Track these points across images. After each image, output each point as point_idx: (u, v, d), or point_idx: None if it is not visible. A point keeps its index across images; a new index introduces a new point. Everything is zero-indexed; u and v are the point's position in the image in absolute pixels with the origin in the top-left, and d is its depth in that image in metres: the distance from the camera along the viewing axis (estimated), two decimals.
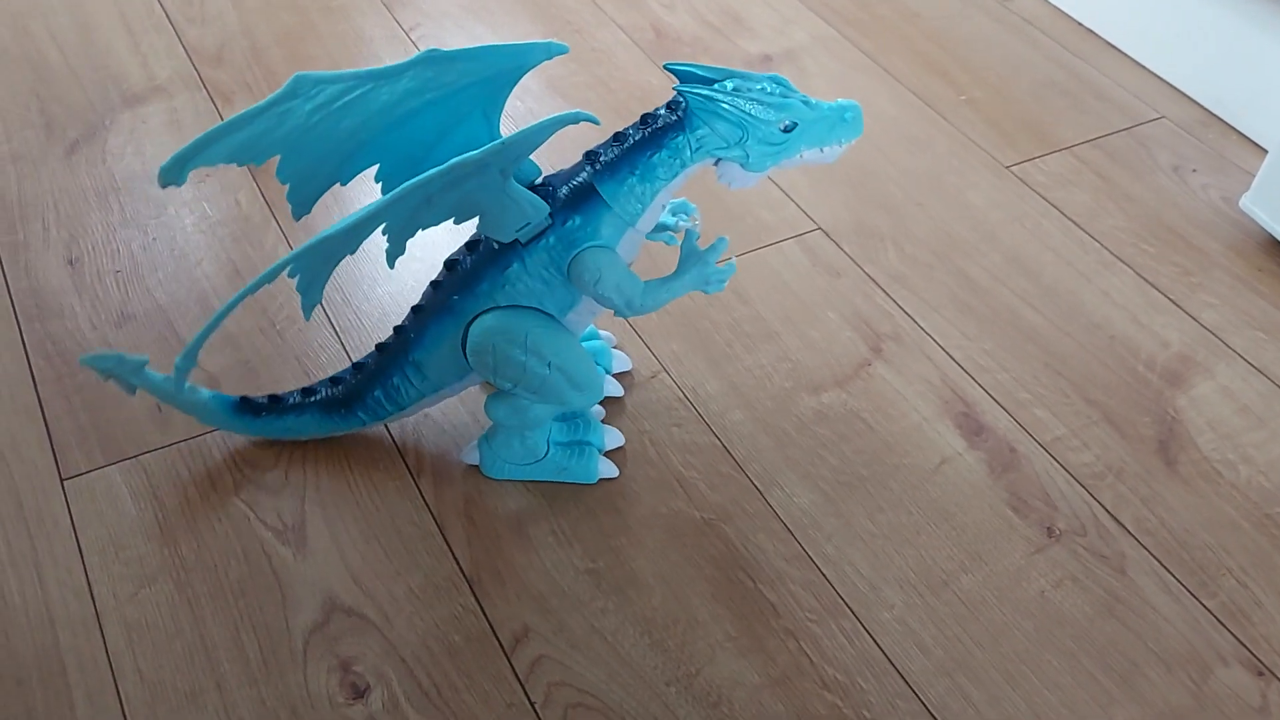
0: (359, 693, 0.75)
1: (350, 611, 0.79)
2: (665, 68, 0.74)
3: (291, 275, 0.73)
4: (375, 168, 0.78)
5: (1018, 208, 1.13)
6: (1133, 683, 0.77)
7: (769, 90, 0.74)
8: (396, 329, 0.83)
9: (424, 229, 0.74)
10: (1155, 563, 0.84)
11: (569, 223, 0.76)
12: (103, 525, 0.83)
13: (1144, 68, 1.31)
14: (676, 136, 0.74)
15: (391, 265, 0.73)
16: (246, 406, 0.85)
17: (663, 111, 0.75)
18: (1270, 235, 1.09)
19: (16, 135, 1.16)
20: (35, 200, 1.09)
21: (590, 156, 0.76)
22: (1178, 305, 1.04)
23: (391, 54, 1.28)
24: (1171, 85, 1.29)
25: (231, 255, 1.05)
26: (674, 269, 0.79)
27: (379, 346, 0.84)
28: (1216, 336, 1.01)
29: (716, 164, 0.76)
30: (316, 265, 0.74)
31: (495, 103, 0.78)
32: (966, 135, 1.21)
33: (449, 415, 0.92)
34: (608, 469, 0.87)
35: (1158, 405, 0.95)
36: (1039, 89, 1.28)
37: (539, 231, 0.76)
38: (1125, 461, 0.90)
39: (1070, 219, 1.12)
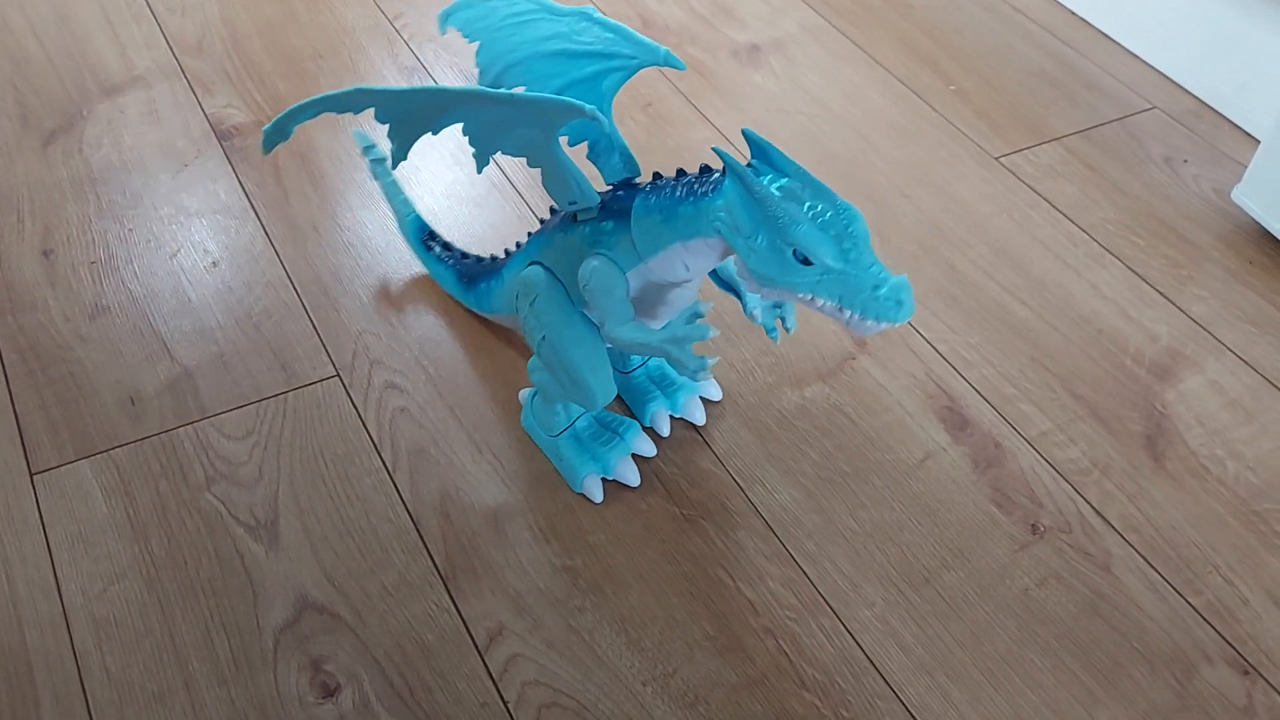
0: (329, 692, 0.74)
1: (322, 610, 0.78)
2: (744, 133, 0.67)
3: (382, 121, 0.72)
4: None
5: (1006, 199, 1.11)
6: (1116, 682, 0.76)
7: (817, 210, 0.64)
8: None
9: (504, 153, 0.74)
10: (1141, 560, 0.83)
11: (604, 224, 0.75)
12: (72, 521, 0.82)
13: (1136, 57, 1.30)
14: (704, 200, 0.69)
15: (479, 171, 0.74)
16: (425, 233, 0.98)
17: (717, 174, 0.70)
18: (1262, 227, 1.08)
19: None
20: (10, 192, 1.07)
21: (654, 178, 0.74)
22: (1167, 298, 1.02)
23: (375, 44, 1.27)
24: (1164, 75, 1.27)
25: (209, 247, 1.03)
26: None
27: (506, 250, 0.89)
28: (1206, 330, 0.99)
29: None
30: (404, 120, 0.73)
31: (612, 82, 0.78)
32: (955, 126, 1.20)
33: (427, 410, 0.90)
34: (594, 490, 0.84)
35: (1146, 400, 0.93)
36: (1029, 79, 1.27)
37: (590, 217, 0.76)
38: (1112, 457, 0.89)
39: (1059, 211, 1.10)
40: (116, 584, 0.79)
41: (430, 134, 0.72)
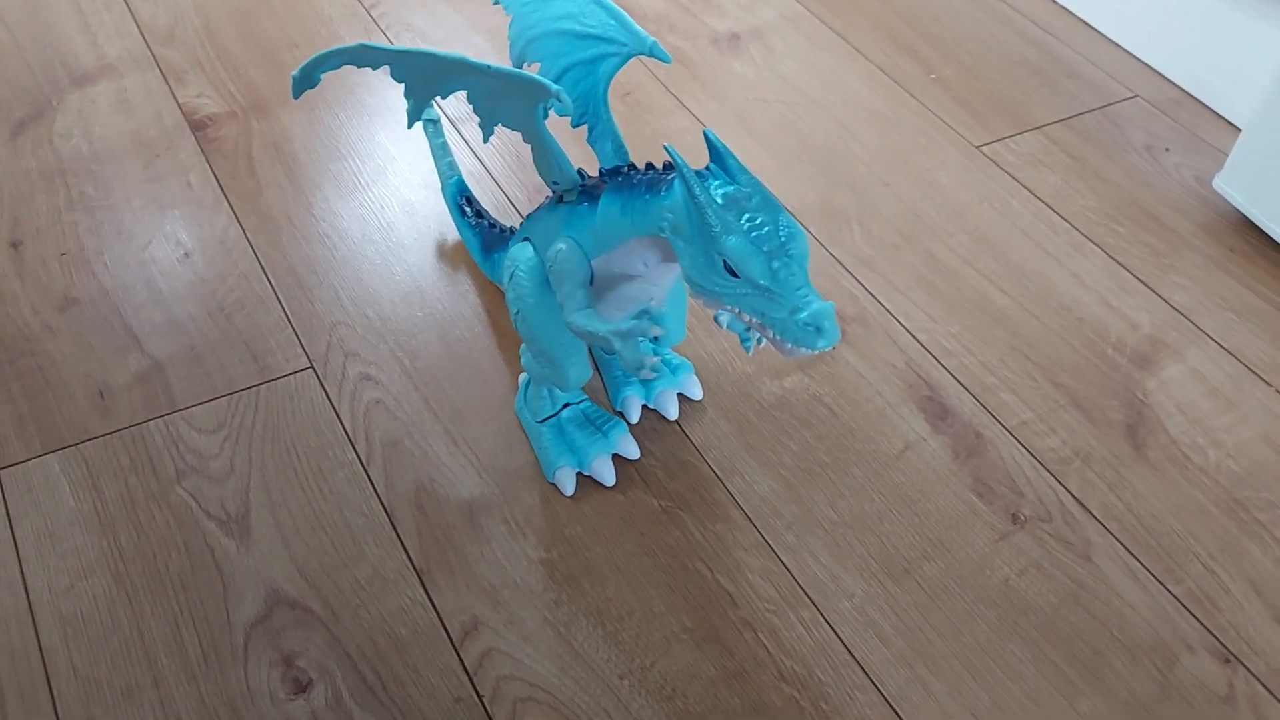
0: (301, 688, 0.72)
1: (294, 604, 0.77)
2: (705, 135, 0.66)
3: (399, 79, 0.72)
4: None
5: (987, 188, 1.11)
6: (1097, 672, 0.75)
7: (756, 223, 0.62)
8: None
9: (504, 125, 0.74)
10: (1122, 549, 0.82)
11: (580, 207, 0.74)
12: (39, 515, 0.81)
13: (1118, 46, 1.29)
14: (657, 197, 0.68)
15: (485, 141, 0.74)
16: (464, 197, 0.98)
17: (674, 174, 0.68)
18: (1243, 215, 1.07)
19: None
20: None
21: (629, 168, 0.73)
22: (1148, 287, 1.02)
23: (352, 32, 1.25)
24: (1145, 63, 1.27)
25: (181, 238, 1.02)
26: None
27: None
28: (1187, 318, 0.99)
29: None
30: (415, 81, 0.73)
31: (608, 67, 0.78)
32: (936, 114, 1.19)
33: (402, 403, 0.89)
34: (565, 482, 0.83)
35: (1126, 389, 0.93)
36: (1011, 67, 1.26)
37: (572, 199, 0.76)
38: (1092, 446, 0.89)
39: (1040, 199, 1.10)
40: (84, 579, 0.77)
41: (439, 97, 0.73)
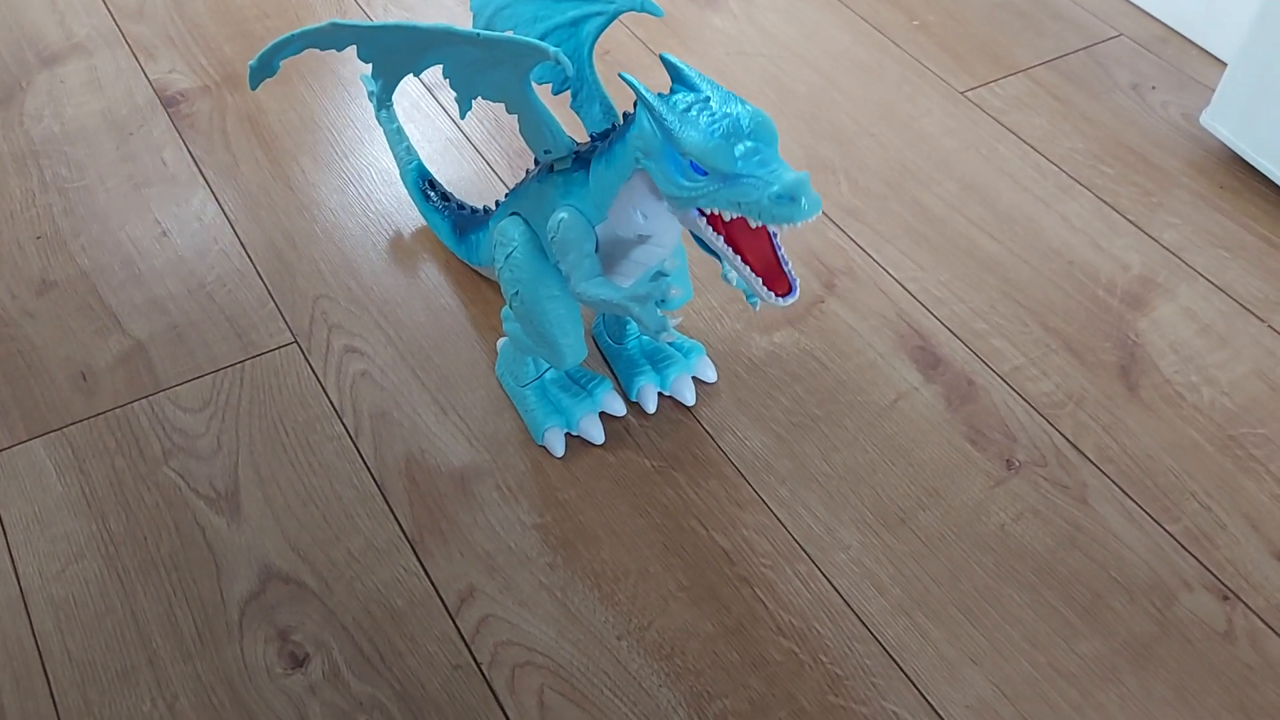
0: (298, 662, 0.72)
1: (288, 579, 0.76)
2: (661, 58, 0.67)
3: (367, 59, 0.70)
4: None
5: (973, 134, 1.09)
6: (1096, 613, 0.75)
7: (715, 117, 0.62)
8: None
9: (484, 98, 0.72)
10: (1117, 490, 0.82)
11: (576, 174, 0.73)
12: (27, 501, 0.80)
13: None
14: (628, 131, 0.68)
15: (462, 116, 0.72)
16: (426, 181, 0.96)
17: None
18: (1231, 150, 1.06)
19: None
20: None
21: (615, 127, 0.72)
22: (1138, 227, 1.01)
23: (324, 3, 1.23)
24: (1129, 1, 1.25)
25: (158, 216, 1.00)
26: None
27: (497, 202, 0.86)
28: (1178, 257, 0.98)
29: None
30: (386, 59, 0.71)
31: (592, 28, 0.76)
32: (920, 61, 1.17)
33: (389, 374, 0.88)
34: (555, 443, 0.83)
35: (1118, 330, 0.92)
36: (993, 11, 1.24)
37: (565, 167, 0.74)
38: (1085, 389, 0.88)
39: (1027, 143, 1.08)
40: (75, 563, 0.77)
41: (412, 74, 0.71)
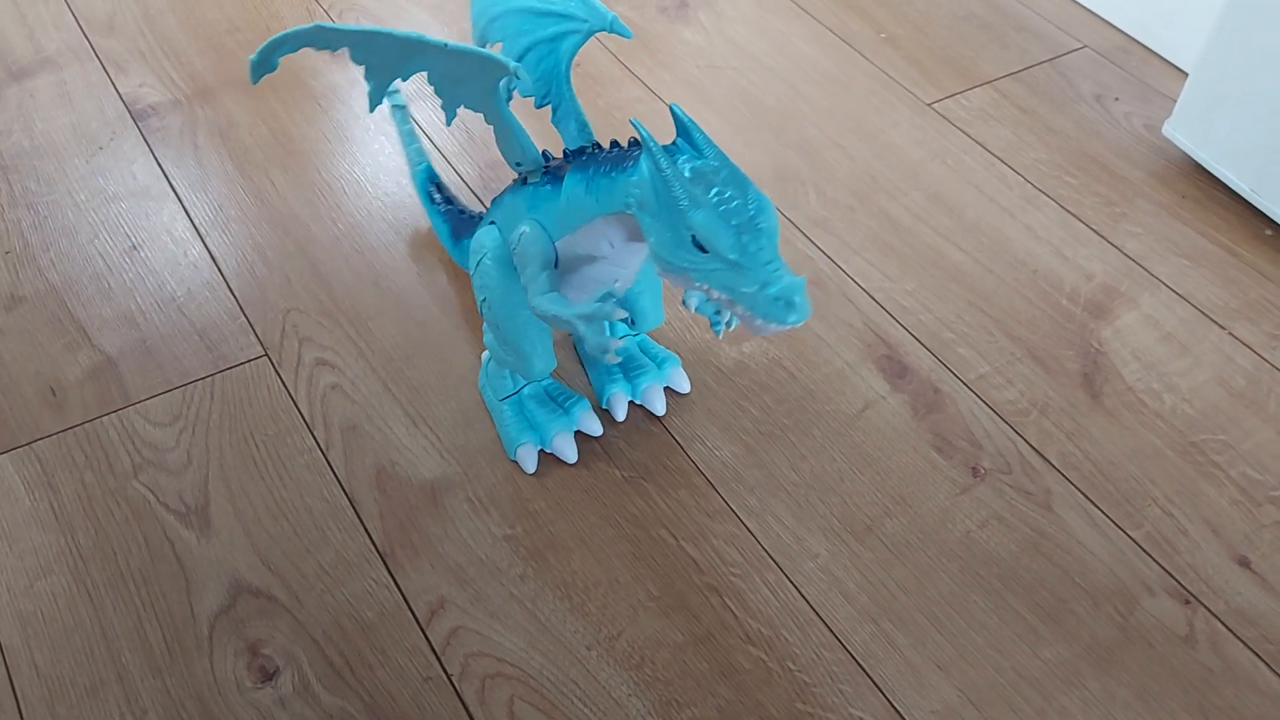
0: (268, 676, 0.72)
1: (258, 593, 0.76)
2: (671, 110, 0.65)
3: (358, 62, 0.71)
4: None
5: (939, 145, 1.11)
6: (1060, 619, 0.76)
7: (725, 196, 0.61)
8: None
9: (466, 106, 0.73)
10: (1080, 496, 0.83)
11: (544, 188, 0.74)
12: None
13: None
14: (623, 174, 0.67)
15: (448, 123, 0.74)
16: (433, 184, 0.96)
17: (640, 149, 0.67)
18: (1193, 160, 1.08)
19: None
20: None
21: (594, 148, 0.72)
22: (1101, 236, 1.02)
23: (295, 16, 1.24)
24: (1092, 12, 1.27)
25: (128, 230, 1.00)
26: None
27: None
28: (1140, 265, 1.00)
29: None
30: (376, 63, 0.72)
31: (570, 45, 0.77)
32: (887, 74, 1.19)
33: (360, 386, 0.88)
34: (526, 460, 0.83)
35: (1082, 338, 0.94)
36: (959, 24, 1.26)
37: (536, 180, 0.75)
38: (1049, 397, 0.89)
39: (993, 154, 1.10)
40: (43, 578, 0.76)
41: (400, 79, 0.72)
